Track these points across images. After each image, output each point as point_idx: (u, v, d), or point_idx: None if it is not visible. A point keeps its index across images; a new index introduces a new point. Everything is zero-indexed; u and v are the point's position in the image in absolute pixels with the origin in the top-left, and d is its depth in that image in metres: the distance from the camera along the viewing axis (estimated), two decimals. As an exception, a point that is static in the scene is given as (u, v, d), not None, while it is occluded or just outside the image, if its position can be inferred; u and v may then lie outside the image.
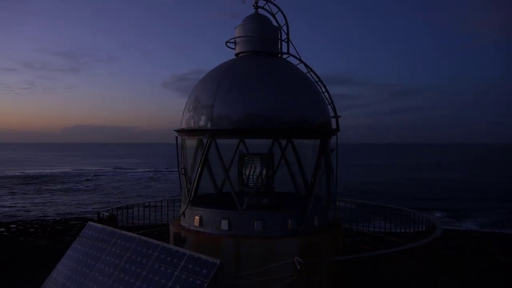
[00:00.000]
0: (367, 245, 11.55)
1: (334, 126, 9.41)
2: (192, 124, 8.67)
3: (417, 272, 8.78)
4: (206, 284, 6.21)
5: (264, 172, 9.28)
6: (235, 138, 9.52)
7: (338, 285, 8.49)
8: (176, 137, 9.13)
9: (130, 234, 8.07)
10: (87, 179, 73.42)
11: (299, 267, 6.10)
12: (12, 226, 28.08)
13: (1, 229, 26.72)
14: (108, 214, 9.82)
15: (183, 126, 8.95)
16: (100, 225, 8.86)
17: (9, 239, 22.56)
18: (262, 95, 8.23)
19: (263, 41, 9.09)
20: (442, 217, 38.31)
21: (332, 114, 9.32)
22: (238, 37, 9.30)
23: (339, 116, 8.66)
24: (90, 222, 9.21)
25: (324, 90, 9.49)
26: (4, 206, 43.82)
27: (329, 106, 9.30)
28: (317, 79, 9.47)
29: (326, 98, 9.27)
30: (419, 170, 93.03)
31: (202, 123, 8.46)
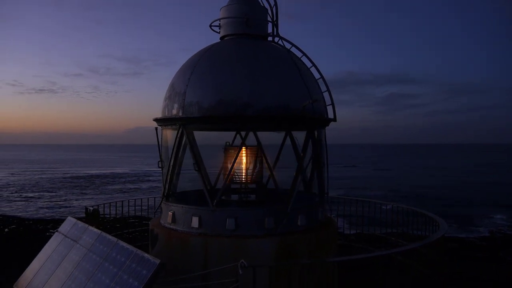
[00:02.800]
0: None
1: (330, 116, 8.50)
2: (166, 112, 8.05)
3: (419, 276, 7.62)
4: (141, 287, 5.53)
5: (251, 166, 8.49)
6: (207, 129, 8.78)
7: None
8: (156, 128, 8.54)
9: (95, 230, 7.57)
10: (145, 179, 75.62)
11: (241, 272, 5.23)
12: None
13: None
14: (92, 208, 9.43)
15: (160, 115, 8.35)
16: (74, 220, 8.48)
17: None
18: (235, 80, 7.42)
19: (246, 22, 8.24)
20: (508, 225, 35.39)
21: (327, 104, 8.37)
22: (221, 18, 8.56)
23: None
24: (69, 217, 8.87)
25: (319, 76, 8.56)
26: (70, 206, 46.30)
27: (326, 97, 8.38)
28: (311, 65, 8.54)
29: (329, 91, 8.34)
30: (486, 173, 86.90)
31: (174, 111, 7.81)
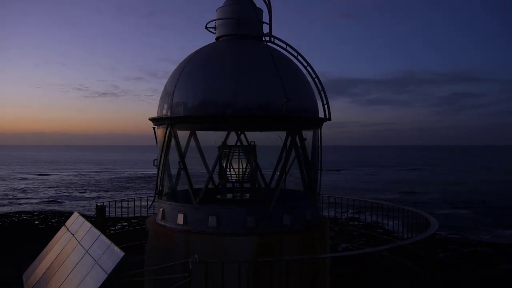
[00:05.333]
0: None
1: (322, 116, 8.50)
2: (158, 112, 8.34)
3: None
4: (105, 278, 5.79)
5: (244, 165, 8.58)
6: (193, 128, 8.93)
7: None
8: (154, 128, 8.85)
9: (88, 224, 7.99)
10: None
11: (190, 267, 5.36)
12: (134, 221, 31.44)
13: (124, 223, 29.79)
14: (99, 205, 9.94)
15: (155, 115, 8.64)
16: (77, 215, 8.98)
17: (131, 232, 25.07)
18: (217, 81, 7.57)
19: (237, 23, 8.36)
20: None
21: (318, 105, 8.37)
22: (214, 20, 8.73)
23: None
24: (75, 212, 9.40)
25: (314, 76, 8.53)
26: (125, 206, 48.61)
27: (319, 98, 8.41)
28: (306, 64, 8.53)
29: (324, 91, 8.33)
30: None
31: (164, 111, 8.09)
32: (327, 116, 8.56)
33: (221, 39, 8.69)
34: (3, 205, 49.43)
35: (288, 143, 8.04)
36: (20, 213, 40.04)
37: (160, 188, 8.42)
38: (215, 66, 7.78)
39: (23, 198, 55.69)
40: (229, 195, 8.86)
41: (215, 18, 8.85)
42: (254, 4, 8.67)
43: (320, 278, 7.92)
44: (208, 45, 8.57)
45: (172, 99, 7.87)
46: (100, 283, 5.75)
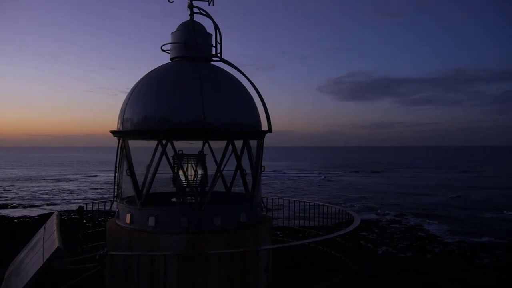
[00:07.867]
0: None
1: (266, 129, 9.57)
2: (116, 126, 9.58)
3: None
4: (37, 268, 7.05)
5: (192, 171, 9.64)
6: (141, 139, 10.07)
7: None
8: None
9: (55, 221, 9.33)
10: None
11: (97, 257, 6.52)
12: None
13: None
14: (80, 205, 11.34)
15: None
16: (54, 214, 10.38)
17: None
18: (158, 97, 8.71)
19: (185, 47, 9.47)
20: None
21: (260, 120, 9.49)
22: (168, 43, 9.87)
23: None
24: (55, 212, 10.83)
25: (256, 92, 9.55)
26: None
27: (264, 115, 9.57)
28: (249, 81, 9.55)
29: (265, 106, 9.45)
30: None
31: (118, 125, 9.32)
32: (269, 129, 9.51)
33: (173, 60, 9.83)
34: (55, 204, 52.85)
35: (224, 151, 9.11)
36: (70, 211, 42.97)
37: (118, 192, 9.65)
38: (157, 86, 8.93)
39: (72, 198, 59.30)
40: (187, 199, 9.93)
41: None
42: (202, 30, 9.77)
43: (251, 274, 8.81)
44: (159, 66, 9.74)
45: (123, 115, 9.10)
46: (35, 271, 7.02)
